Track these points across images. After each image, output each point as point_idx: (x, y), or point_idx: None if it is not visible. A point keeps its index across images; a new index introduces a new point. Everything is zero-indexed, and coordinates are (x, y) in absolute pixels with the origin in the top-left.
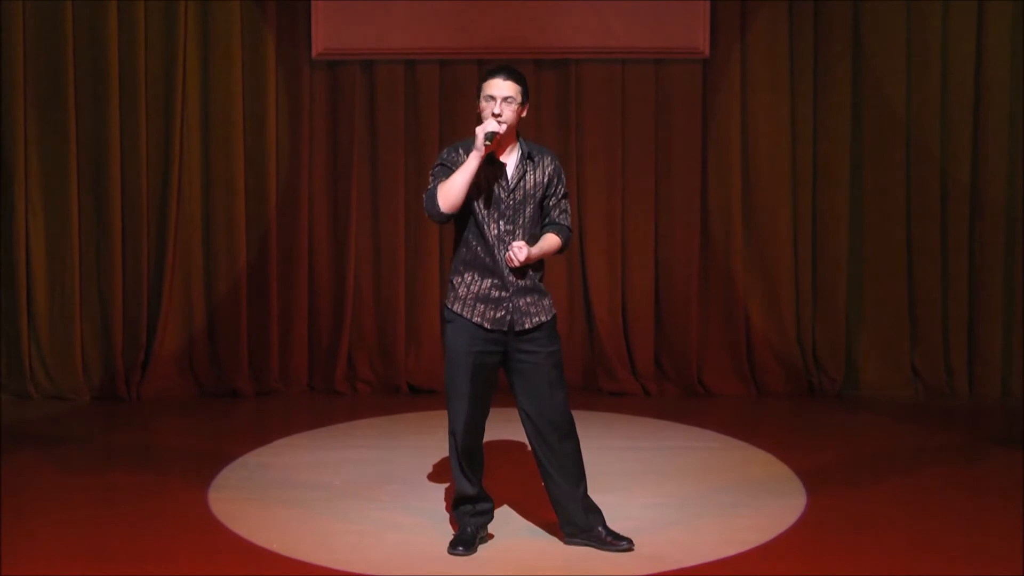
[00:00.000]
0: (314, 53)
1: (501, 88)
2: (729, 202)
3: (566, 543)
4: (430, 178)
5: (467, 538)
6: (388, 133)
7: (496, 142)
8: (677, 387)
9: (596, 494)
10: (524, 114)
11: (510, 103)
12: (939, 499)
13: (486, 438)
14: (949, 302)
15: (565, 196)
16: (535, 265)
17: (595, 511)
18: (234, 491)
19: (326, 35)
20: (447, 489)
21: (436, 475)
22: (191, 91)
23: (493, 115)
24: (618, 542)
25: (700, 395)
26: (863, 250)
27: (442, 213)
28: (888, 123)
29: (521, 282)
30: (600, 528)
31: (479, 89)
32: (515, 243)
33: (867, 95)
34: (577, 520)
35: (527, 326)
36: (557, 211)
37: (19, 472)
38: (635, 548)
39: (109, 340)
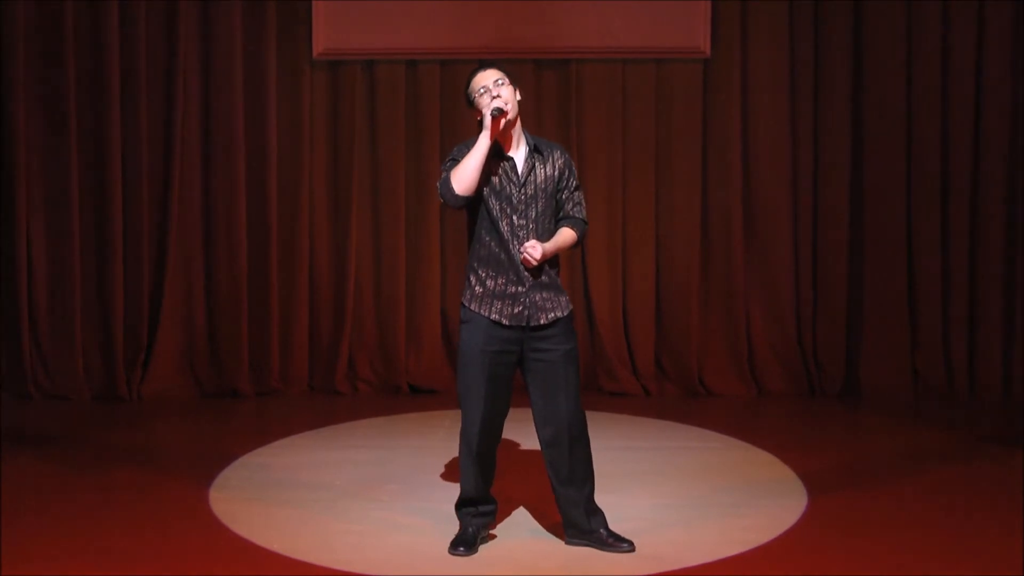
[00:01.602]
0: (314, 53)
1: (487, 77)
2: (729, 202)
3: (567, 543)
4: (442, 173)
5: (468, 538)
6: (388, 133)
7: (504, 119)
8: (677, 387)
9: (597, 494)
10: (519, 96)
11: (502, 84)
12: (939, 499)
13: None
14: (949, 302)
15: (578, 188)
16: (551, 261)
17: (598, 514)
18: (235, 491)
19: (326, 35)
20: (448, 489)
21: (437, 475)
22: (191, 91)
23: (493, 98)
24: (619, 544)
25: (700, 395)
26: (863, 250)
27: (457, 196)
28: (888, 122)
29: (537, 278)
30: (602, 530)
31: (468, 96)
32: (527, 243)
33: (867, 95)
34: (580, 523)
35: (543, 321)
36: (571, 204)
37: (19, 472)
38: (636, 550)
39: (109, 340)
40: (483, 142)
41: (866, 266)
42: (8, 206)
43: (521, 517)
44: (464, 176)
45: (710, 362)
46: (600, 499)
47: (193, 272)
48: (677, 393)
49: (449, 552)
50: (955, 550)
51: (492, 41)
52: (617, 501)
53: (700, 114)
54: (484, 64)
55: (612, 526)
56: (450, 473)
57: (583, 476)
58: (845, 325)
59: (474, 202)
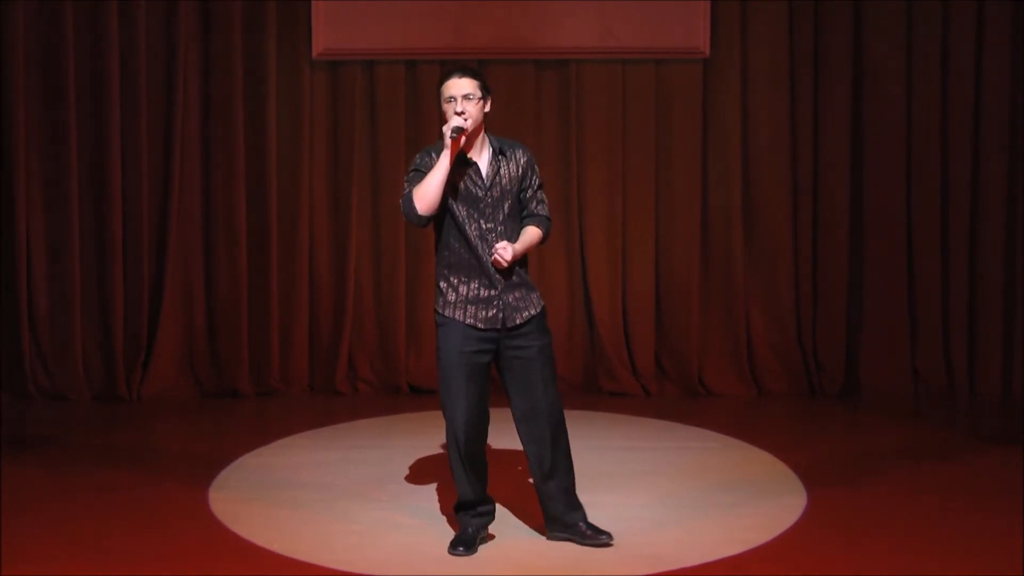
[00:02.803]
0: (314, 53)
1: (459, 87)
2: (729, 202)
3: (548, 539)
4: (405, 184)
5: (467, 538)
6: (388, 133)
7: (464, 136)
8: (677, 387)
9: (597, 494)
10: (488, 109)
11: (470, 99)
12: (939, 499)
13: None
14: (949, 302)
15: (540, 187)
16: (520, 260)
17: (578, 508)
18: (234, 491)
19: (326, 35)
20: (447, 489)
21: (436, 475)
22: (191, 91)
23: (456, 114)
24: (598, 536)
25: (700, 395)
26: (863, 250)
27: (420, 215)
28: (888, 122)
29: (508, 279)
30: (582, 524)
31: (438, 94)
32: (498, 244)
33: (867, 95)
34: (562, 517)
35: (518, 321)
36: (535, 203)
37: (19, 472)
38: (635, 548)
39: (109, 340)
40: (443, 162)
41: (866, 266)
42: (8, 206)
43: (520, 517)
44: (426, 195)
45: (710, 362)
46: (600, 498)
47: (193, 272)
48: (677, 393)
49: (448, 552)
50: (955, 550)
51: (492, 41)
52: (617, 501)
53: (700, 114)
54: (459, 70)
55: (611, 526)
56: (450, 473)
57: (565, 468)
58: (845, 325)
59: (439, 210)
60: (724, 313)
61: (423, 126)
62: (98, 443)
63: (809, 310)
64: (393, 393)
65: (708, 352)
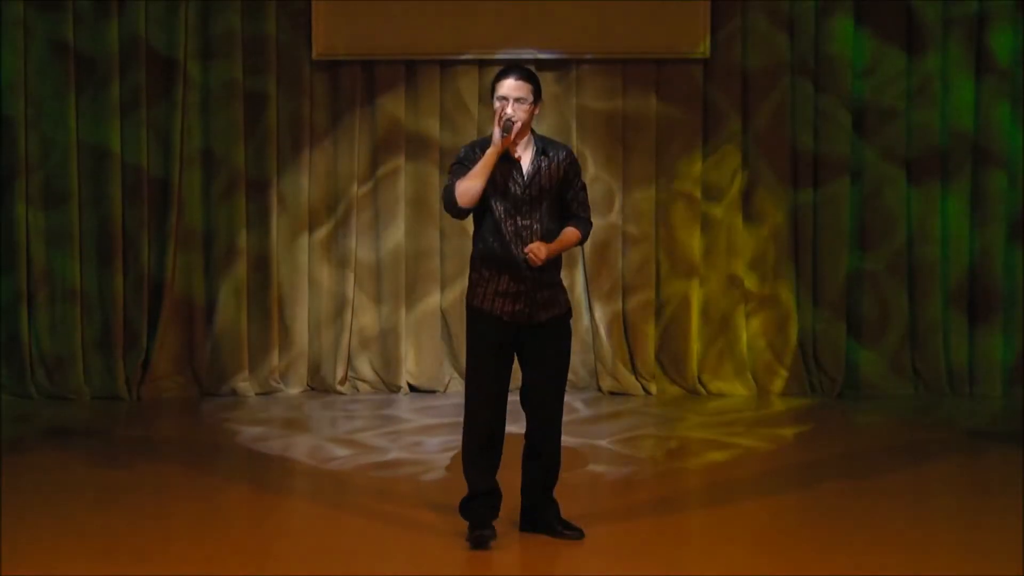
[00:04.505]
0: (314, 53)
1: (513, 88)
2: (729, 202)
3: (520, 531)
4: (449, 176)
5: (482, 521)
6: (388, 133)
7: (514, 135)
8: (677, 387)
9: (597, 494)
10: (538, 112)
11: (522, 103)
12: (939, 498)
13: None
14: (949, 302)
15: (583, 188)
16: (554, 260)
17: (554, 505)
18: (234, 491)
19: (326, 35)
20: (449, 488)
21: (437, 475)
22: (191, 91)
23: (505, 113)
24: (569, 532)
25: (700, 395)
26: (863, 249)
27: (460, 208)
28: (888, 123)
29: (539, 276)
30: (555, 520)
31: (492, 89)
32: (532, 244)
33: (868, 95)
34: (542, 514)
35: (542, 319)
36: (576, 204)
37: (19, 472)
38: (635, 548)
39: (109, 340)
40: (490, 157)
41: (866, 265)
42: (8, 204)
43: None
44: (469, 189)
45: (710, 362)
46: (599, 499)
47: (193, 272)
48: (677, 393)
49: (469, 540)
50: (955, 550)
51: (492, 41)
52: (616, 500)
53: (700, 114)
54: (515, 72)
55: (610, 525)
56: (452, 472)
57: (554, 469)
58: (845, 325)
59: (479, 204)
60: (724, 313)
61: (423, 126)
62: (98, 443)
63: (809, 310)
64: (393, 393)
65: (708, 352)
